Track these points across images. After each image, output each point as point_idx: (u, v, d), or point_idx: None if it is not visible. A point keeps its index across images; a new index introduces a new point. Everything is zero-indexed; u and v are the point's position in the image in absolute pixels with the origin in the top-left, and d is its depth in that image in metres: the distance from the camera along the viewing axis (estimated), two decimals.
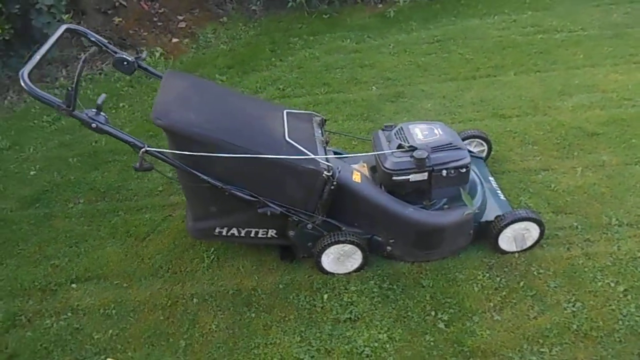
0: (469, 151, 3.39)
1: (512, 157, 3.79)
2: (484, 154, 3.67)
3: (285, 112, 3.01)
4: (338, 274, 3.01)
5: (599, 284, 2.85)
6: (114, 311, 2.90)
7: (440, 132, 2.97)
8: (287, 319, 2.81)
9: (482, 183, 3.27)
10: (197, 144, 2.60)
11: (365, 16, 6.15)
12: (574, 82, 4.52)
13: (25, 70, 2.34)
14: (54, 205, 3.68)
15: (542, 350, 2.56)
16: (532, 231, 3.01)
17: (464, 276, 2.96)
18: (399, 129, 3.05)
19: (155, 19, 5.96)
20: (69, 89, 2.38)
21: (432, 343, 2.63)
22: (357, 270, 3.02)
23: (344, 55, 5.34)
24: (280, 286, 2.97)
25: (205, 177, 2.66)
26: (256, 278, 3.04)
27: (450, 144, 2.92)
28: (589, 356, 2.52)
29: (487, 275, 2.95)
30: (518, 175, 3.62)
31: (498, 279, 2.92)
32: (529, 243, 3.06)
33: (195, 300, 2.93)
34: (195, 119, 2.63)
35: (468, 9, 6.06)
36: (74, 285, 3.07)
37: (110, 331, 2.80)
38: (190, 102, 2.75)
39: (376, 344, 2.64)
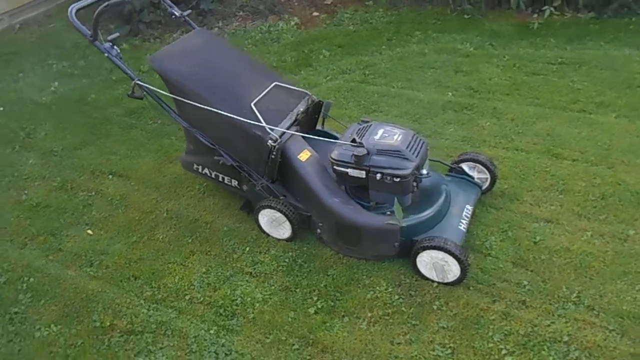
0: (465, 174, 3.26)
1: (525, 198, 3.38)
2: (486, 183, 3.39)
3: (275, 83, 3.36)
4: (272, 236, 3.32)
5: (490, 346, 2.55)
6: (116, 201, 3.79)
7: (398, 139, 2.95)
8: (209, 253, 3.27)
9: (447, 204, 3.10)
10: (175, 88, 3.19)
11: (508, 23, 5.73)
12: None
13: (75, 7, 3.21)
14: (141, 120, 4.76)
15: None
16: (451, 266, 2.80)
17: (369, 281, 2.95)
18: (367, 125, 3.11)
19: None
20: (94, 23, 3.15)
21: (291, 319, 2.79)
22: (288, 239, 3.27)
23: (449, 57, 5.19)
24: (225, 228, 3.42)
25: (175, 117, 3.26)
26: (216, 216, 3.55)
27: (398, 151, 2.89)
28: None
29: (390, 289, 2.89)
30: (512, 216, 3.26)
31: (397, 297, 2.85)
32: (450, 278, 2.85)
33: (165, 215, 3.61)
34: (181, 69, 3.21)
35: (630, 35, 5.13)
36: (110, 176, 4.06)
37: (104, 214, 3.69)
38: (189, 56, 3.33)
39: (249, 299, 2.92)
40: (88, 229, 3.55)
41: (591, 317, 2.64)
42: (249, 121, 3.06)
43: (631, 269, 2.84)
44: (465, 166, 3.38)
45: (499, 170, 3.41)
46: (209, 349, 2.69)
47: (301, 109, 3.34)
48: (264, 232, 3.33)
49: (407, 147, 2.91)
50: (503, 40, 5.41)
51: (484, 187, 3.37)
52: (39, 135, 4.65)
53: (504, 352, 2.52)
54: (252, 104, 3.15)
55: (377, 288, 2.91)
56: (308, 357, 2.61)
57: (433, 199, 3.09)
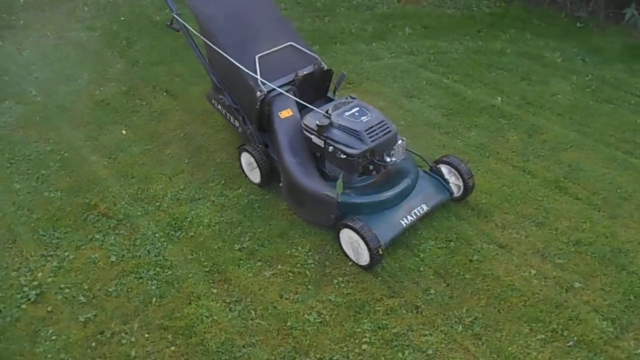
0: (440, 176, 3.28)
1: (494, 218, 3.24)
2: (459, 191, 3.29)
3: (289, 43, 3.59)
4: (248, 178, 3.65)
5: (357, 330, 2.64)
6: (156, 114, 4.41)
7: (363, 120, 3.04)
8: (193, 175, 3.73)
9: (401, 197, 3.11)
10: (201, 27, 3.61)
11: (618, 42, 5.09)
12: None
13: None
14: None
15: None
16: (363, 250, 2.88)
17: (298, 240, 3.17)
18: (349, 101, 3.23)
19: None
20: None
21: (217, 248, 3.15)
22: (258, 185, 3.58)
23: (527, 63, 4.83)
24: (218, 160, 3.85)
25: (198, 55, 3.69)
26: (217, 148, 3.98)
27: (355, 131, 2.99)
28: None
29: (310, 254, 3.08)
30: (467, 230, 3.16)
31: (311, 262, 3.03)
32: (362, 261, 2.94)
33: (182, 135, 4.13)
34: (209, 11, 3.60)
35: None
36: (164, 93, 4.70)
37: (142, 121, 4.34)
38: (225, 3, 3.68)
39: (197, 221, 3.34)
40: (124, 129, 4.25)
41: (471, 344, 2.57)
42: (246, 70, 3.38)
43: (544, 318, 2.65)
44: (444, 168, 3.32)
45: (477, 183, 3.32)
46: (146, 246, 3.19)
47: (305, 72, 3.54)
48: (243, 172, 3.68)
49: (366, 130, 2.99)
50: (599, 58, 4.85)
51: (455, 195, 3.30)
52: (136, 47, 5.49)
53: (365, 339, 2.61)
54: (257, 56, 3.44)
55: (300, 249, 3.12)
56: (210, 281, 2.97)
57: (387, 187, 3.14)
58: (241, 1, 3.78)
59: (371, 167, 3.14)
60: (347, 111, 3.11)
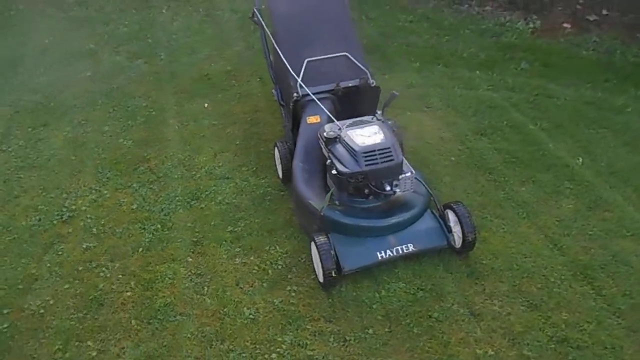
0: (442, 220, 3.09)
1: (486, 283, 2.91)
2: (456, 244, 3.02)
3: (345, 54, 3.62)
4: (277, 172, 3.81)
5: (267, 335, 2.66)
6: (241, 96, 4.83)
7: (367, 142, 2.98)
8: (236, 155, 4.04)
9: (388, 229, 3.00)
10: (272, 23, 3.82)
11: None
12: None
13: None
14: None
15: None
16: (319, 269, 2.86)
17: (281, 240, 3.27)
18: (374, 121, 3.17)
19: None
20: None
21: (212, 226, 3.41)
22: (281, 180, 3.72)
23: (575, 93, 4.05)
24: (262, 149, 4.09)
25: (265, 48, 3.94)
26: (269, 135, 4.23)
27: (354, 151, 2.96)
28: None
29: (285, 255, 3.15)
30: (443, 284, 2.90)
31: (281, 262, 3.11)
32: (319, 278, 2.92)
33: (249, 120, 4.47)
34: (282, 10, 3.78)
35: None
36: (258, 79, 5.09)
37: (226, 99, 4.79)
38: (301, 3, 3.83)
39: (213, 194, 3.65)
40: (207, 103, 4.75)
41: None
42: (290, 70, 3.53)
43: None
44: (452, 215, 3.07)
45: (491, 242, 3.09)
46: (163, 205, 3.59)
47: (348, 84, 3.55)
48: (275, 164, 3.87)
49: (364, 152, 2.93)
50: None
51: (455, 245, 3.03)
52: (257, 33, 5.93)
53: (278, 350, 2.62)
54: (306, 60, 3.56)
55: (279, 248, 3.21)
56: (191, 251, 3.24)
57: (379, 216, 3.05)
58: (316, 4, 3.88)
59: (367, 191, 3.07)
60: (361, 130, 3.07)
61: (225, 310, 2.85)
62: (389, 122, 3.26)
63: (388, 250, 2.95)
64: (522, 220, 3.32)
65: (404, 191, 3.05)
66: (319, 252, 2.84)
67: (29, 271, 3.16)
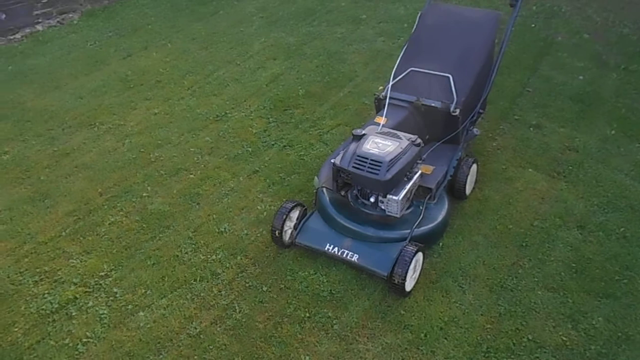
0: (396, 258, 3.04)
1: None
2: (399, 280, 2.92)
3: (448, 75, 3.57)
4: None
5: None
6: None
7: (369, 148, 3.08)
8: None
9: (345, 231, 3.18)
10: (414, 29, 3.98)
11: None
12: None
13: None
14: None
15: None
16: None
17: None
18: (398, 135, 3.23)
19: None
20: None
21: (228, 185, 3.94)
22: None
23: None
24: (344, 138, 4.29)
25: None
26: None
27: (352, 150, 3.14)
28: None
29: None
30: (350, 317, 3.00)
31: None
32: None
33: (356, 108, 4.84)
34: (427, 20, 3.91)
35: None
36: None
37: None
38: (443, 16, 3.94)
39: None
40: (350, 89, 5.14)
41: None
42: (393, 71, 3.72)
43: None
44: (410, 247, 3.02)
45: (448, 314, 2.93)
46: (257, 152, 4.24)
47: (428, 103, 3.55)
48: None
49: (356, 155, 3.06)
50: None
51: (394, 281, 2.95)
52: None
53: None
54: (410, 68, 3.68)
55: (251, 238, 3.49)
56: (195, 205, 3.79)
57: (351, 219, 3.21)
58: (461, 24, 3.86)
59: (355, 192, 3.25)
60: (382, 139, 3.14)
61: (192, 272, 3.27)
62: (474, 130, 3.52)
63: (336, 247, 3.11)
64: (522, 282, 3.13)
65: (389, 212, 3.09)
66: (278, 212, 3.21)
67: None
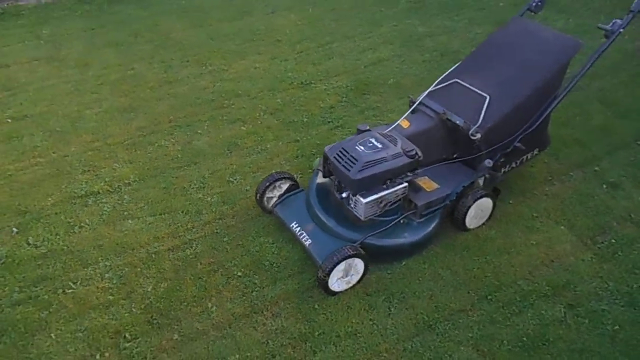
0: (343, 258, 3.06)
1: None
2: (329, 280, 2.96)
3: (487, 96, 3.28)
4: None
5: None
6: None
7: (358, 146, 3.04)
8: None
9: (313, 217, 3.27)
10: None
11: None
12: None
13: None
14: None
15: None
16: None
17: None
18: (400, 142, 3.15)
19: None
20: None
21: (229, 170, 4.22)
22: None
23: None
24: None
25: None
26: None
27: (344, 145, 3.13)
28: None
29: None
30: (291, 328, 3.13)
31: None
32: None
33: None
34: (493, 36, 3.71)
35: None
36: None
37: None
38: (512, 39, 3.65)
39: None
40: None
41: None
42: (437, 80, 3.58)
43: None
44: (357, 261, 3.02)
45: None
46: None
47: (451, 118, 3.35)
48: None
49: (341, 147, 3.07)
50: None
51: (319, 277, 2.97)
52: None
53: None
54: (455, 80, 3.50)
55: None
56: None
57: (324, 207, 3.27)
58: (529, 45, 3.54)
59: (336, 182, 3.24)
60: (381, 142, 3.09)
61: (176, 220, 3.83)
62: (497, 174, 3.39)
63: (299, 227, 3.24)
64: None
65: (355, 212, 3.07)
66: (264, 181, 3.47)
67: None
